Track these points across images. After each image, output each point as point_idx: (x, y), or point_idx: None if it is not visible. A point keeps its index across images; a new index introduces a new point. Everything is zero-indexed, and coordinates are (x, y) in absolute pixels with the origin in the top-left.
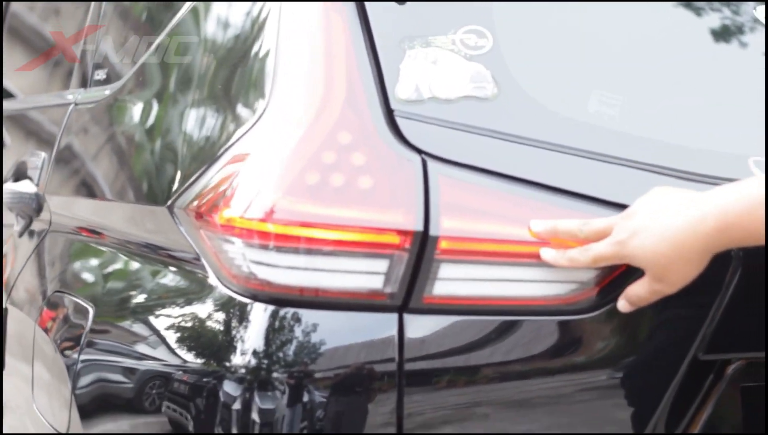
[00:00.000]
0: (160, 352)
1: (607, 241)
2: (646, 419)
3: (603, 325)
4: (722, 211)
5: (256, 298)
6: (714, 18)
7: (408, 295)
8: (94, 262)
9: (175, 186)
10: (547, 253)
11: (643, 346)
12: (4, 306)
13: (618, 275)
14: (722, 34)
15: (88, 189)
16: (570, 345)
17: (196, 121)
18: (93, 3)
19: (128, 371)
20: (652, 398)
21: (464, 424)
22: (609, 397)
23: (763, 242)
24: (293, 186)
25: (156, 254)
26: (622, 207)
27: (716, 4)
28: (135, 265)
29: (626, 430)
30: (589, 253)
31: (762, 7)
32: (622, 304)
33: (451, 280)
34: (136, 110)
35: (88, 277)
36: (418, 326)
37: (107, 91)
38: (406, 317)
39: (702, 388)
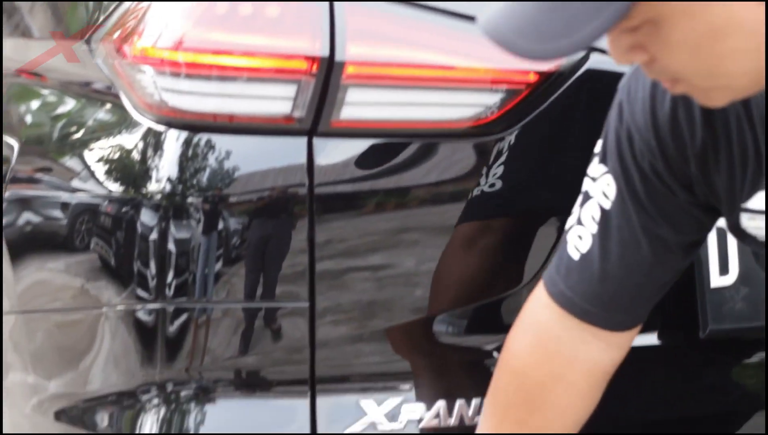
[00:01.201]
0: (86, 185)
1: None
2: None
3: (512, 147)
4: None
5: (170, 125)
6: None
7: (316, 119)
8: (27, 103)
9: (95, 20)
10: None
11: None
12: None
13: (521, 100)
14: None
15: (25, 30)
16: (482, 167)
17: None
18: None
19: (54, 206)
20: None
21: (392, 251)
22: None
23: None
24: (203, 16)
25: (83, 89)
26: None
27: None
28: (64, 100)
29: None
30: None
31: None
32: None
33: (359, 105)
34: None
35: (18, 118)
36: (329, 150)
37: None
38: (316, 141)
39: None
